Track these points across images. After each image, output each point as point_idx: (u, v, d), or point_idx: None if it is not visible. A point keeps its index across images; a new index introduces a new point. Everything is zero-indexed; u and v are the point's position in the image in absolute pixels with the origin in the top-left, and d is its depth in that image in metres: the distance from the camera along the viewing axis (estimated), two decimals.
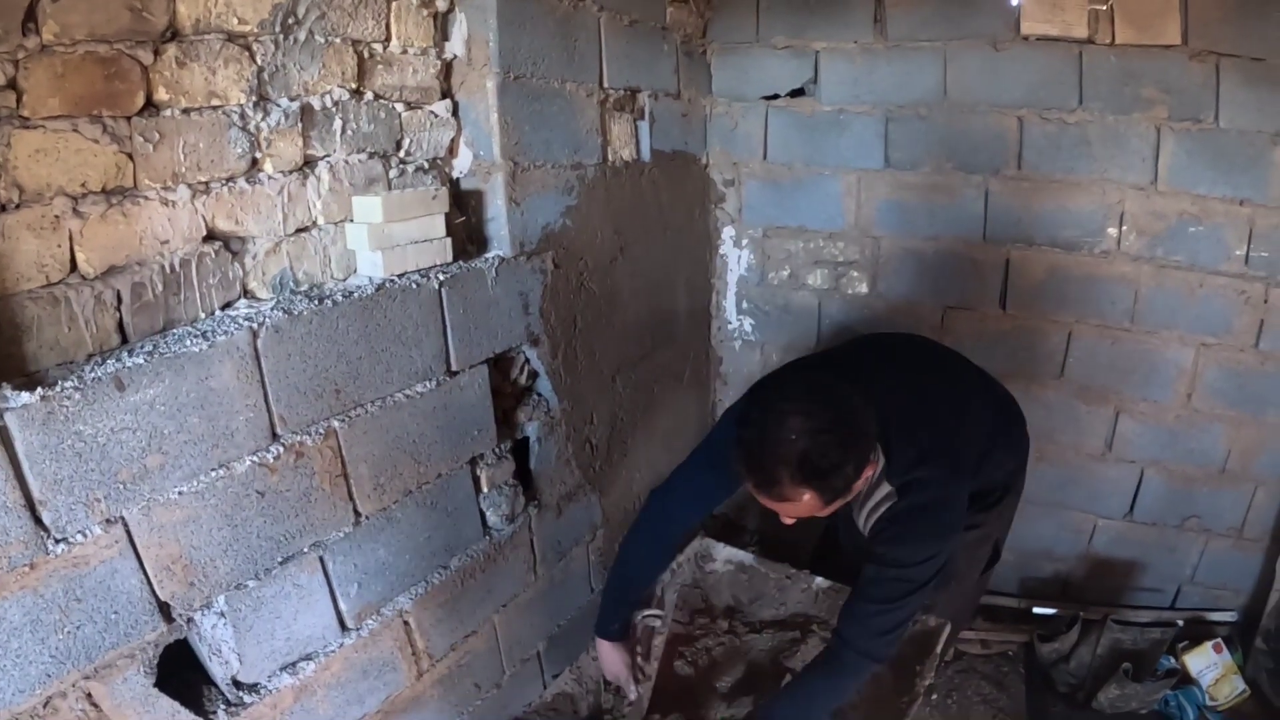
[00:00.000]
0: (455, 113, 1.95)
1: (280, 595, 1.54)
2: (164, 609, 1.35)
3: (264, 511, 1.48)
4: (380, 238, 1.69)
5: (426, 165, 1.91)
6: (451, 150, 1.97)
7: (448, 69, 1.92)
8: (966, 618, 2.32)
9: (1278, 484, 2.69)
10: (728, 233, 3.15)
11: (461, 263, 1.91)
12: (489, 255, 2.02)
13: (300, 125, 1.56)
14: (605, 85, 2.35)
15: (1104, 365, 2.71)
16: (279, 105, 1.51)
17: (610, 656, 2.12)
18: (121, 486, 1.25)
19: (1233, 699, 2.52)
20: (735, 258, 3.18)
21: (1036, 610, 2.79)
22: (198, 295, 1.45)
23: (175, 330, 1.39)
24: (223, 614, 1.44)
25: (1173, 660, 2.51)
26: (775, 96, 2.91)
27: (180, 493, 1.34)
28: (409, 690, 1.88)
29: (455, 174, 2.00)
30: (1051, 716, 2.43)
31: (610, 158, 2.43)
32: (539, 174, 2.11)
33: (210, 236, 1.45)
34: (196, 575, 1.38)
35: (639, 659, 2.14)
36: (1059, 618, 2.71)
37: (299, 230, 1.62)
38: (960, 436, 1.83)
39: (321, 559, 1.62)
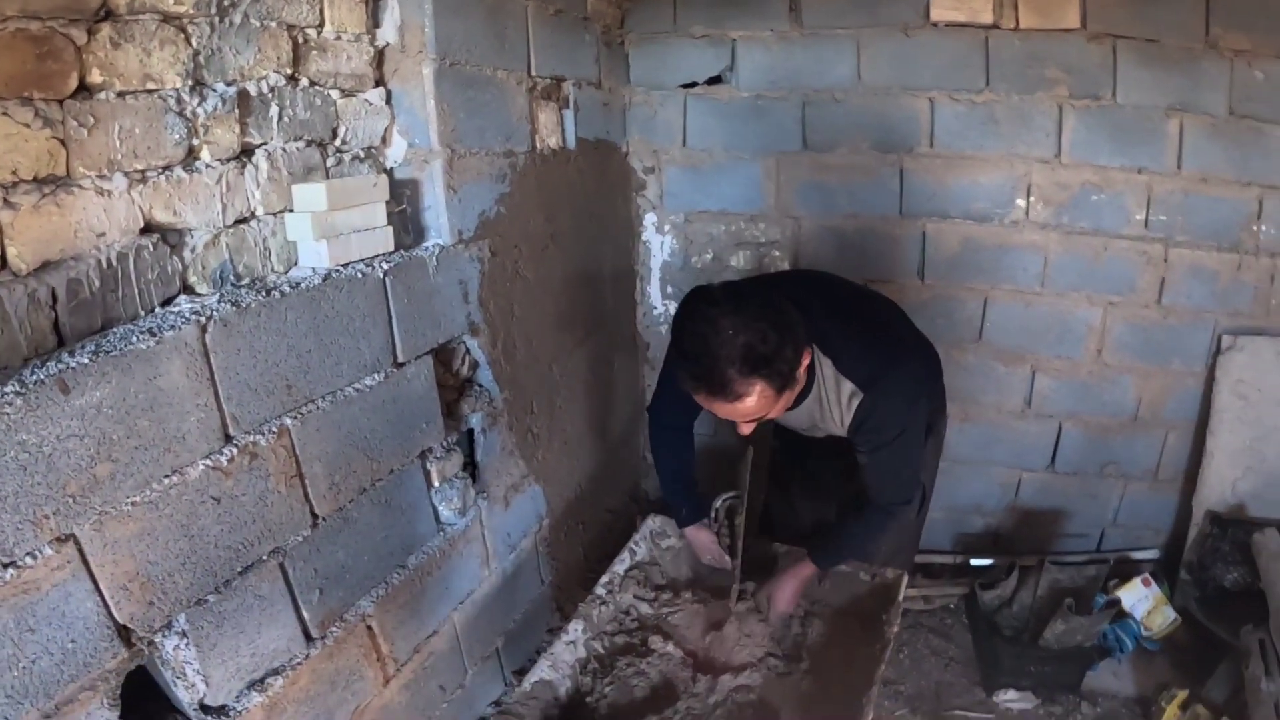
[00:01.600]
0: (388, 101, 1.84)
1: (242, 608, 1.41)
2: (123, 633, 1.21)
3: (220, 519, 1.36)
4: (324, 226, 1.58)
5: (362, 154, 1.80)
6: (385, 139, 1.87)
7: (380, 57, 1.81)
8: (910, 560, 2.37)
9: (1187, 427, 2.85)
10: (650, 219, 3.11)
11: (403, 252, 1.82)
12: (428, 244, 1.92)
13: (237, 111, 1.44)
14: (533, 73, 2.27)
15: (1019, 328, 2.80)
16: (215, 90, 1.39)
17: (699, 539, 2.16)
18: (71, 500, 1.12)
19: (1166, 628, 2.64)
20: (658, 244, 3.14)
21: (974, 562, 2.87)
22: (136, 292, 1.31)
23: (116, 329, 1.26)
24: (184, 634, 1.31)
25: (1105, 597, 2.61)
26: (693, 85, 2.88)
27: (133, 503, 1.21)
28: (377, 698, 1.77)
29: (389, 164, 1.89)
30: (1001, 658, 2.48)
31: (539, 146, 2.35)
32: (474, 161, 2.02)
33: (148, 229, 1.32)
34: (155, 593, 1.25)
35: (723, 537, 2.18)
36: (996, 567, 2.79)
37: (238, 221, 1.49)
38: (894, 332, 1.92)
39: (282, 566, 1.49)
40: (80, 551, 1.14)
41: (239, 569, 1.41)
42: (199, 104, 1.36)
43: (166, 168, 1.33)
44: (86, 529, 1.15)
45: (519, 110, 2.21)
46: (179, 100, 1.33)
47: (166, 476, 1.27)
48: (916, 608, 2.81)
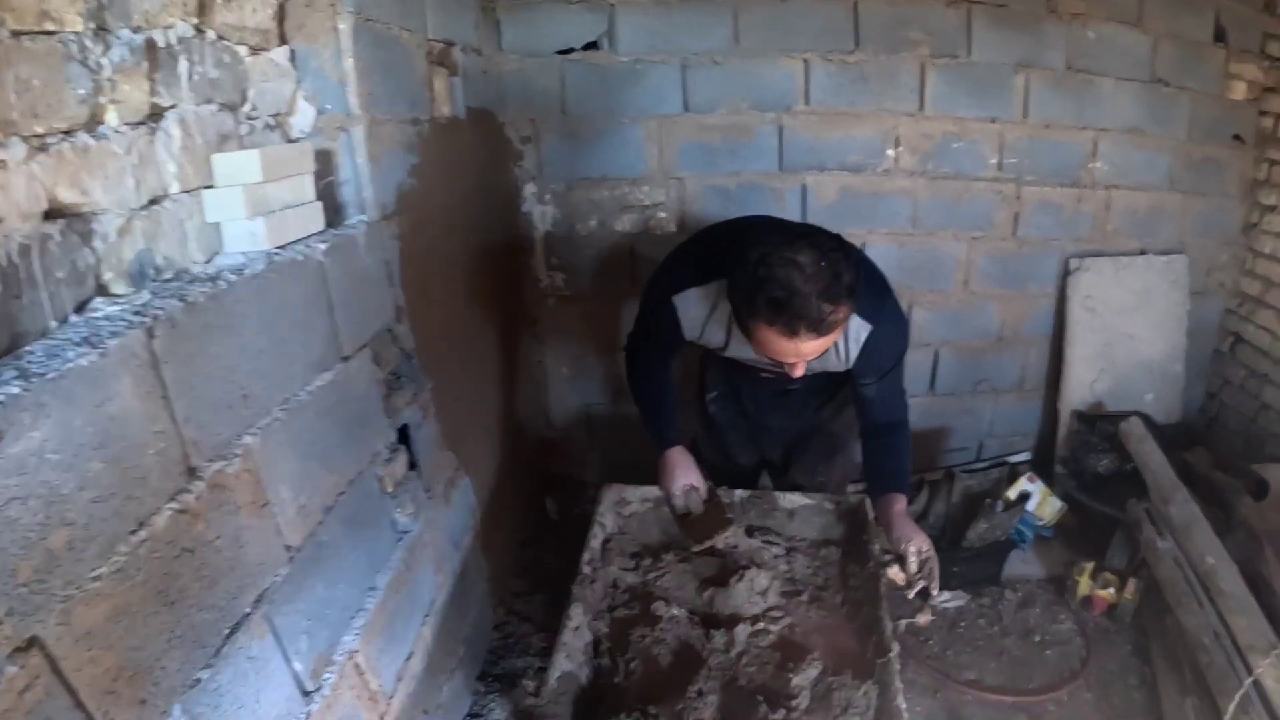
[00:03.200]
0: (292, 61, 1.50)
1: (238, 678, 1.08)
2: None
3: (198, 573, 1.02)
4: (258, 201, 1.24)
5: (272, 122, 1.44)
6: (290, 106, 1.52)
7: (282, 11, 1.46)
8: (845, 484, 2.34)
9: (1044, 342, 3.05)
10: (530, 190, 2.83)
11: (334, 230, 1.50)
12: (353, 220, 1.60)
13: (146, 65, 1.08)
14: (430, 36, 1.96)
15: (896, 266, 2.79)
16: (120, 38, 1.02)
17: (683, 461, 1.90)
18: (26, 591, 0.77)
19: (1056, 515, 2.80)
20: (540, 214, 2.87)
21: None
22: (46, 296, 0.94)
23: (33, 347, 0.90)
24: None
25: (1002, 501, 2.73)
26: (570, 50, 2.64)
27: (98, 577, 0.87)
28: None
29: (295, 133, 1.54)
30: None
31: (435, 114, 2.04)
32: (390, 129, 1.71)
33: (51, 213, 0.96)
34: (146, 686, 0.91)
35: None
36: None
37: (152, 201, 1.13)
38: (868, 261, 1.83)
39: (268, 616, 1.17)
40: (49, 658, 0.79)
41: (227, 631, 1.07)
42: (104, 53, 0.99)
43: (70, 131, 0.96)
44: (52, 625, 0.80)
45: (421, 75, 1.90)
46: (81, 47, 0.96)
47: (132, 533, 0.92)
48: None
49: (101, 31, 1.00)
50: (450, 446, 2.06)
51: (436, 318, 1.98)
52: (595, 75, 2.66)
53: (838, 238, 1.47)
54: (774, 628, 1.68)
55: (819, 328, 1.41)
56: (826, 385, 2.09)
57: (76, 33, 0.96)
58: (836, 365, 1.76)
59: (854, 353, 1.72)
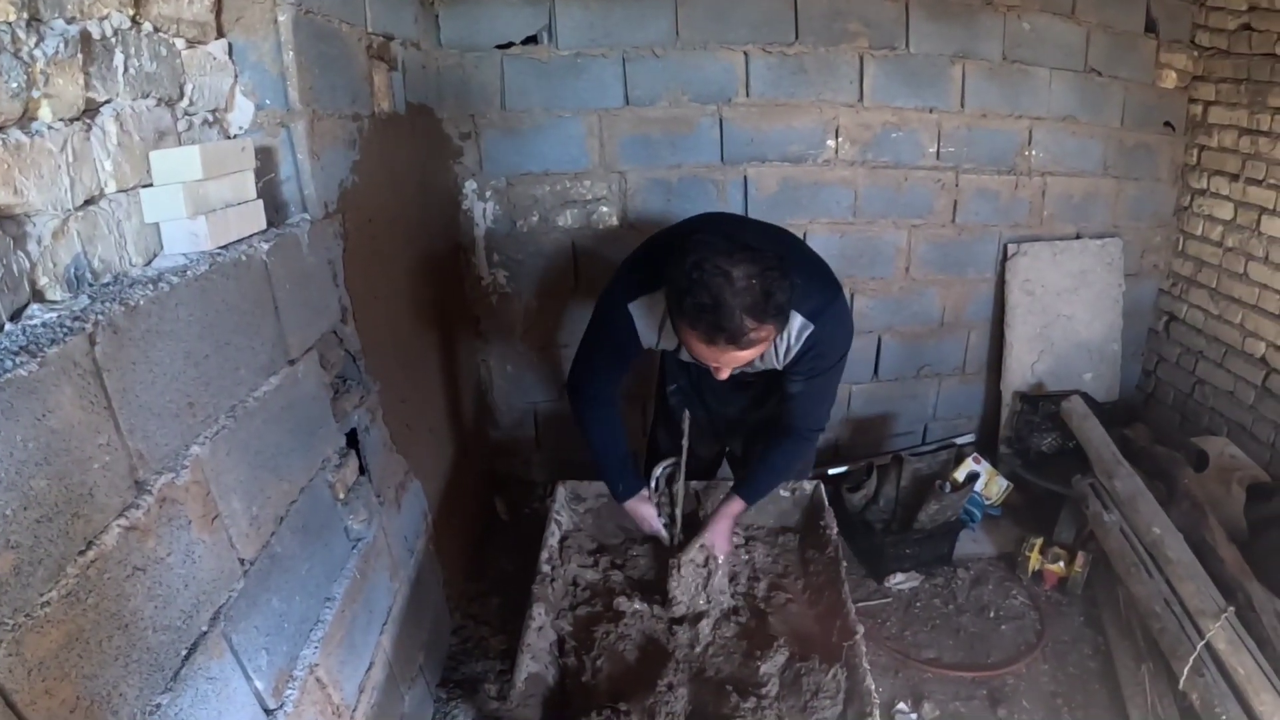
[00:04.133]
0: (230, 55, 1.46)
1: (198, 700, 1.05)
2: None
3: (151, 593, 0.98)
4: (199, 200, 1.20)
5: (210, 118, 1.40)
6: (228, 102, 1.48)
7: (219, 4, 1.42)
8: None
9: (985, 326, 3.14)
10: (470, 187, 2.80)
11: (276, 229, 1.46)
12: (294, 219, 1.57)
13: (80, 58, 1.04)
14: (370, 29, 1.92)
15: (837, 255, 2.87)
16: (54, 29, 0.98)
17: (641, 512, 2.00)
18: None
19: (1002, 494, 2.90)
20: (480, 211, 2.85)
21: (831, 471, 2.93)
22: None
23: None
24: None
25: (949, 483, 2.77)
26: (509, 45, 2.62)
27: (48, 602, 0.83)
28: None
29: (234, 130, 1.50)
30: (883, 547, 2.58)
31: (376, 110, 2.01)
32: (331, 125, 1.67)
33: None
34: (104, 717, 0.88)
35: (664, 505, 2.06)
36: (853, 472, 2.87)
37: (88, 202, 1.09)
38: (822, 263, 1.86)
39: (226, 635, 1.13)
40: (1, 694, 0.75)
41: (184, 651, 1.04)
42: (36, 44, 0.95)
43: (2, 127, 0.93)
44: (2, 657, 0.76)
45: (361, 69, 1.86)
46: (13, 38, 0.91)
47: (81, 553, 0.88)
48: None
49: (35, 22, 0.96)
50: (400, 450, 2.03)
51: (381, 318, 1.95)
52: (535, 69, 2.65)
53: (780, 259, 1.49)
54: (737, 620, 1.70)
55: (738, 341, 1.45)
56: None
57: (9, 23, 0.91)
58: (774, 365, 1.80)
59: (795, 351, 1.75)
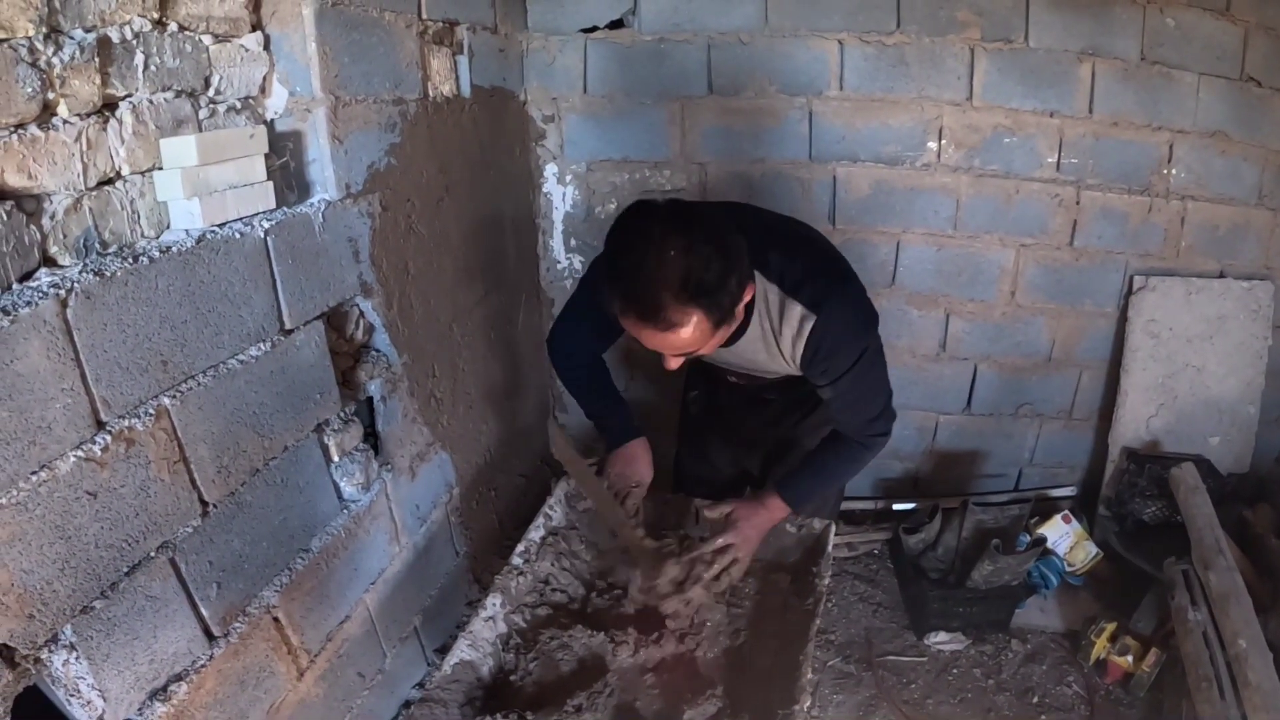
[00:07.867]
0: (267, 47, 1.79)
1: (134, 612, 1.38)
2: (5, 653, 1.17)
3: (99, 515, 1.32)
4: (196, 183, 1.53)
5: (239, 105, 1.74)
6: (264, 89, 1.82)
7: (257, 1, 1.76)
8: (836, 508, 2.42)
9: (1100, 366, 3.06)
10: (550, 170, 3.10)
11: (285, 209, 1.79)
12: (313, 199, 1.89)
13: (98, 61, 1.37)
14: (424, 16, 2.22)
15: (932, 271, 2.93)
16: (73, 38, 1.32)
17: (643, 455, 2.06)
18: None
19: (1088, 563, 2.85)
20: (560, 195, 3.14)
21: (896, 507, 3.01)
22: None
23: None
24: (73, 646, 1.28)
25: (1029, 536, 2.77)
26: (594, 29, 2.87)
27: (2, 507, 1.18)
28: (292, 693, 1.77)
29: (270, 115, 1.84)
30: (929, 600, 2.62)
31: (431, 93, 2.31)
32: (361, 109, 1.98)
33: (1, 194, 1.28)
34: (34, 605, 1.21)
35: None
36: (918, 511, 2.92)
37: (102, 183, 1.43)
38: (834, 251, 1.87)
39: (173, 561, 1.46)
40: None
41: (125, 569, 1.37)
42: (54, 53, 1.30)
43: (19, 126, 1.27)
44: None
45: (409, 55, 2.17)
46: (31, 50, 1.26)
47: (34, 473, 1.21)
48: (841, 555, 2.96)
49: (54, 33, 1.31)
50: (424, 421, 2.35)
51: (415, 294, 2.26)
52: (618, 54, 2.89)
53: (728, 242, 1.50)
54: (690, 651, 1.79)
55: (656, 320, 1.46)
56: (805, 399, 2.18)
57: (28, 37, 1.26)
58: (785, 367, 1.86)
59: (800, 349, 1.76)
